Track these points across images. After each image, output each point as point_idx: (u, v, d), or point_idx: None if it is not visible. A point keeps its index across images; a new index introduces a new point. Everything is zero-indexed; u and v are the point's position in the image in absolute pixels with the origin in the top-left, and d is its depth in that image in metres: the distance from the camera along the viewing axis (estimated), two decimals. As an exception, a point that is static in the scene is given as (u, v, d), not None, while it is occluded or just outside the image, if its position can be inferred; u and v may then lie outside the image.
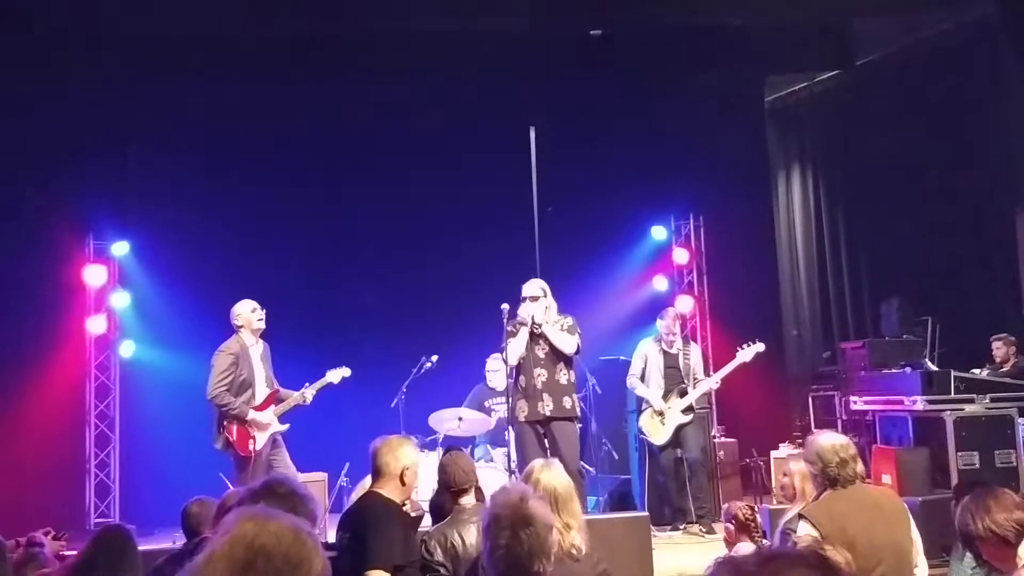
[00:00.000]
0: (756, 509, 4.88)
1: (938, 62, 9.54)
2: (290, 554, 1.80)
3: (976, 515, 3.13)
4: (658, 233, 10.35)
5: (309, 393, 6.89)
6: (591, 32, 9.06)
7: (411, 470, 4.02)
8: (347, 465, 7.60)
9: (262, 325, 6.86)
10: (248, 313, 6.83)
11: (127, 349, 9.31)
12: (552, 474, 3.73)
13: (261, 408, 6.74)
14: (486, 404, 8.08)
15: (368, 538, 3.79)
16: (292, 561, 1.79)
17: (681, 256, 10.29)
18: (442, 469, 4.35)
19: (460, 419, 7.59)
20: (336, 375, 7.03)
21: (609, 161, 9.51)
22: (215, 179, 9.10)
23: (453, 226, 9.53)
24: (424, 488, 5.96)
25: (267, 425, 6.69)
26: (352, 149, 9.54)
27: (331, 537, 4.82)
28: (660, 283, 10.26)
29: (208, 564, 1.78)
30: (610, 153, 9.54)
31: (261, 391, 6.79)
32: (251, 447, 6.56)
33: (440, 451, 7.13)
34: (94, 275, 9.18)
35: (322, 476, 7.51)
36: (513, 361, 6.69)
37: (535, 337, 6.70)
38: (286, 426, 6.85)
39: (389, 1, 8.21)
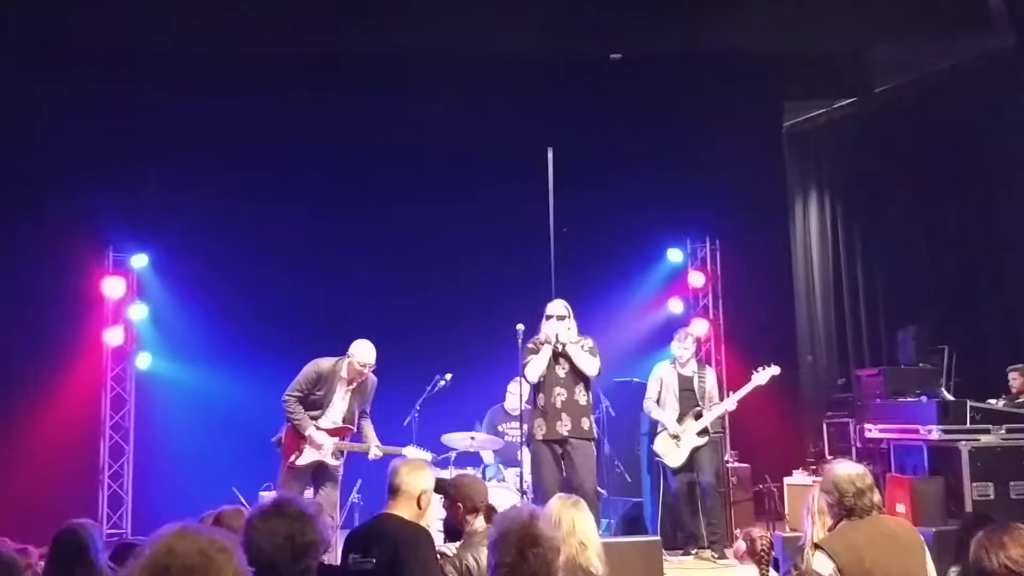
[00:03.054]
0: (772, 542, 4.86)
1: (957, 91, 9.52)
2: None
3: (990, 551, 3.10)
4: (674, 256, 10.35)
5: (376, 451, 6.67)
6: (610, 56, 9.12)
7: (428, 495, 3.96)
8: (359, 482, 7.62)
9: (356, 376, 6.63)
10: (356, 363, 6.56)
11: (143, 361, 9.38)
12: (578, 511, 3.74)
13: (328, 432, 6.61)
14: (499, 428, 8.10)
15: (409, 564, 3.67)
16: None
17: (697, 279, 10.27)
18: (453, 491, 4.34)
19: (473, 438, 7.62)
20: (414, 453, 6.66)
21: (626, 184, 9.53)
22: (234, 193, 9.17)
23: (469, 246, 9.57)
24: (437, 508, 5.95)
25: (321, 447, 6.54)
26: (369, 167, 9.60)
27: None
28: (675, 306, 10.24)
29: None
30: (627, 176, 9.56)
31: (332, 418, 6.64)
32: (291, 458, 6.55)
33: (452, 470, 7.14)
34: (112, 287, 9.24)
35: (334, 493, 7.51)
36: (533, 379, 6.67)
37: (556, 357, 6.69)
38: (339, 461, 6.67)
39: (409, 22, 8.28)
